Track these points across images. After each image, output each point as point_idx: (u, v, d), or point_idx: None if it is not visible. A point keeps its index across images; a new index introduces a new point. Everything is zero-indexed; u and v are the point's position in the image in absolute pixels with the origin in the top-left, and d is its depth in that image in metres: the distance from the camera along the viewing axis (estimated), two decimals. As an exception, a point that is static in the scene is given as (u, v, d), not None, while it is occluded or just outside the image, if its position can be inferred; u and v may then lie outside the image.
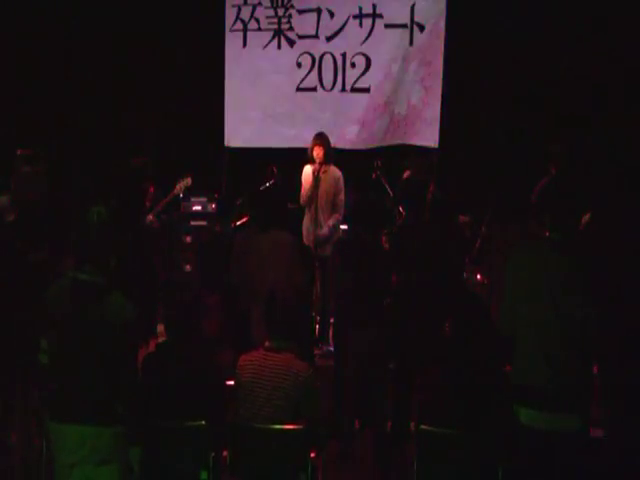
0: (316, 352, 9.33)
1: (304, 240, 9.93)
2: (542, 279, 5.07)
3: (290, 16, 11.70)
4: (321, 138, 10.06)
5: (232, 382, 5.63)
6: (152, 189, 9.80)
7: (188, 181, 10.01)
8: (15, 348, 6.17)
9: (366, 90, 11.60)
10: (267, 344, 5.55)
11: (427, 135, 11.47)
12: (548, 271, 5.08)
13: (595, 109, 10.75)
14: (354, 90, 11.64)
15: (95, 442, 4.73)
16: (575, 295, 5.00)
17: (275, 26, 11.75)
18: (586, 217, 7.44)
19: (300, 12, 11.67)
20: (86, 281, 4.74)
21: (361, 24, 11.54)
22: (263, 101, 11.92)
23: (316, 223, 9.76)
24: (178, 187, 9.96)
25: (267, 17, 11.74)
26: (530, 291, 5.11)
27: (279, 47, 11.81)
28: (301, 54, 11.71)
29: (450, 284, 7.18)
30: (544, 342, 5.03)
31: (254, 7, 11.72)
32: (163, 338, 5.84)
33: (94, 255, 4.78)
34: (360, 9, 11.49)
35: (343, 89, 11.67)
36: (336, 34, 11.62)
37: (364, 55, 11.53)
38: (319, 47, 11.68)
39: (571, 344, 5.00)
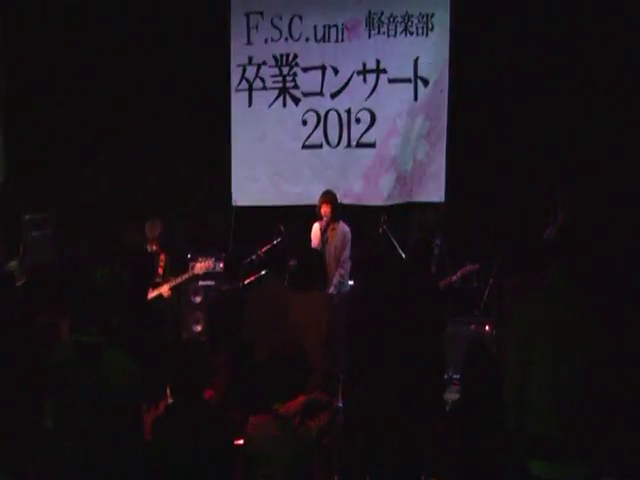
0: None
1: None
2: (549, 330, 5.03)
3: (295, 74, 11.80)
4: (328, 196, 10.07)
5: (241, 441, 5.58)
6: (163, 256, 9.75)
7: (209, 264, 9.84)
8: (20, 412, 6.15)
9: (372, 145, 11.65)
10: (277, 411, 5.47)
11: (433, 190, 11.52)
12: (555, 322, 5.03)
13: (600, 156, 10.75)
14: (360, 146, 11.70)
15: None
16: (582, 345, 4.96)
17: (280, 84, 11.86)
18: None
19: (304, 70, 11.77)
20: (87, 342, 4.72)
21: (365, 80, 11.63)
22: (269, 159, 12.00)
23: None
24: (198, 267, 9.80)
25: (272, 76, 11.86)
26: (537, 342, 5.06)
27: (284, 105, 11.90)
28: (306, 111, 11.80)
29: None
30: (553, 394, 4.98)
31: (259, 66, 11.85)
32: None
33: (96, 316, 4.76)
34: (364, 65, 11.58)
35: (349, 145, 11.73)
36: (340, 90, 11.71)
37: (369, 110, 11.60)
38: (324, 104, 11.76)
39: (580, 394, 4.95)
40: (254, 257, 10.61)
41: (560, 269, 5.13)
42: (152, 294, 9.35)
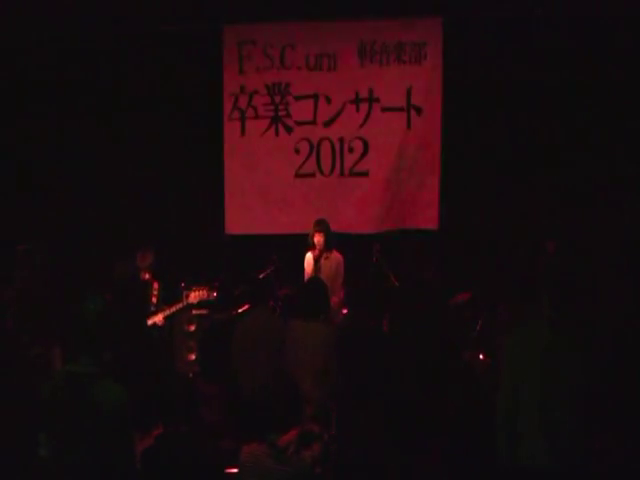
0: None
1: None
2: (540, 359, 5.03)
3: (287, 103, 11.78)
4: (321, 225, 10.06)
5: (234, 470, 5.55)
6: (156, 284, 9.72)
7: (203, 293, 9.77)
8: (14, 442, 6.11)
9: (364, 174, 11.65)
10: (272, 440, 5.44)
11: (426, 218, 11.52)
12: (546, 351, 5.04)
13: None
14: (353, 174, 11.69)
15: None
16: (573, 375, 4.96)
17: (272, 113, 11.84)
18: None
19: (297, 98, 11.76)
20: (80, 373, 4.70)
21: (358, 108, 11.63)
22: (262, 188, 11.96)
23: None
24: (192, 296, 9.75)
25: (264, 104, 11.83)
26: (529, 371, 5.07)
27: (277, 134, 11.88)
28: (299, 140, 11.79)
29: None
30: (544, 422, 4.98)
31: (251, 95, 11.83)
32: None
33: (89, 346, 4.74)
34: (357, 94, 11.59)
35: (342, 174, 11.71)
36: (333, 119, 11.69)
37: (362, 139, 11.60)
38: (317, 133, 11.75)
39: (570, 423, 4.95)
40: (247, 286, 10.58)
41: (550, 298, 5.14)
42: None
